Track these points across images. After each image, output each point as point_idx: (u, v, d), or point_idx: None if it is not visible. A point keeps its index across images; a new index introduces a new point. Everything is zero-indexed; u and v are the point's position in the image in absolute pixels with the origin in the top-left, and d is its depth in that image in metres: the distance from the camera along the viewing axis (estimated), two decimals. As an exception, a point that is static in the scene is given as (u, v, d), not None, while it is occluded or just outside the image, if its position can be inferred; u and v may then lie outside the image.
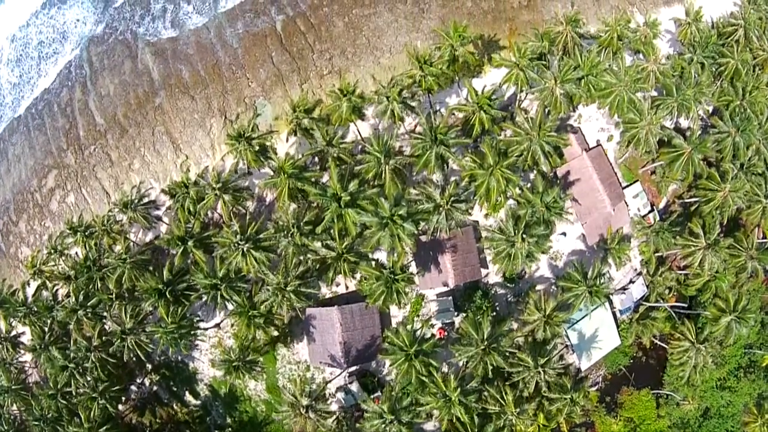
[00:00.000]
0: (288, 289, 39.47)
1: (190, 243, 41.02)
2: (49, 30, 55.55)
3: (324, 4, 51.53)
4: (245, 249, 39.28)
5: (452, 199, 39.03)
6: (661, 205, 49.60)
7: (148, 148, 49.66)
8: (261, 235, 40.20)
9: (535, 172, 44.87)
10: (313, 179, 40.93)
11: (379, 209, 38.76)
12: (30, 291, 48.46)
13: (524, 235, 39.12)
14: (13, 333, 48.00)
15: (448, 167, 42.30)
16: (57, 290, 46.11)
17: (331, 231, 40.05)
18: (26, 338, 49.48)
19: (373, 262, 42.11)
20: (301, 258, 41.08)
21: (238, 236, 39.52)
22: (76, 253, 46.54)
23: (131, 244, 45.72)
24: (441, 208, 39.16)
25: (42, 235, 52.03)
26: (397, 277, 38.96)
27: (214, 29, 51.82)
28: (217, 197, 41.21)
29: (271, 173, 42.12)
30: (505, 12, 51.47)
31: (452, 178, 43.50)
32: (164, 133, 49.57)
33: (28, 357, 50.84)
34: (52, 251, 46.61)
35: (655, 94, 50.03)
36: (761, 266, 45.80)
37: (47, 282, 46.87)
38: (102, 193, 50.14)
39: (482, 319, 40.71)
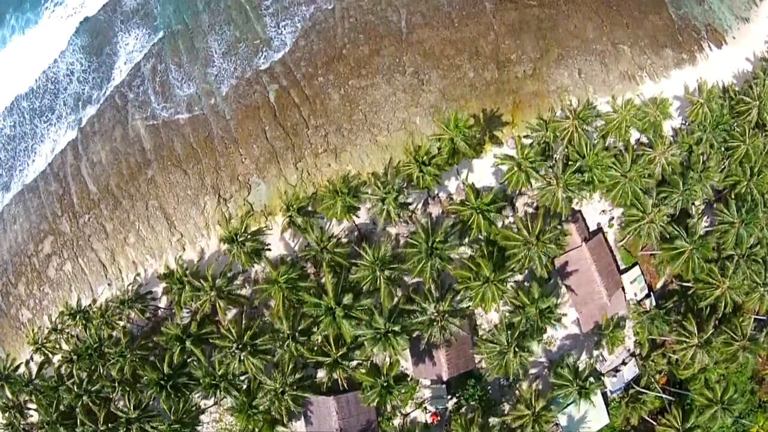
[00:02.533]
0: (285, 395, 40.34)
1: (188, 342, 41.52)
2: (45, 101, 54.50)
3: (319, 74, 49.36)
4: (242, 356, 39.86)
5: (446, 315, 39.05)
6: (659, 285, 49.34)
7: (143, 222, 49.12)
8: (257, 341, 40.60)
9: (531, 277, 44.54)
10: (307, 288, 40.78)
11: (373, 322, 39.01)
12: (35, 359, 49.91)
13: (516, 348, 39.39)
14: (21, 400, 49.54)
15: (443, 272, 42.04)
16: (60, 368, 47.17)
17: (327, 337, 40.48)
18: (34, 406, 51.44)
19: (369, 363, 42.74)
20: (297, 362, 41.68)
21: (234, 344, 40.00)
22: (77, 335, 47.23)
23: (132, 328, 46.30)
24: (436, 322, 39.26)
25: (42, 300, 52.56)
26: (391, 387, 39.72)
27: (205, 97, 50.32)
28: (212, 302, 41.31)
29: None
30: (509, 83, 49.27)
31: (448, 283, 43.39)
32: (158, 208, 48.90)
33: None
34: (53, 331, 47.28)
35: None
36: (753, 356, 46.08)
37: (50, 355, 47.87)
38: (99, 265, 50.11)
39: (474, 416, 41.81)
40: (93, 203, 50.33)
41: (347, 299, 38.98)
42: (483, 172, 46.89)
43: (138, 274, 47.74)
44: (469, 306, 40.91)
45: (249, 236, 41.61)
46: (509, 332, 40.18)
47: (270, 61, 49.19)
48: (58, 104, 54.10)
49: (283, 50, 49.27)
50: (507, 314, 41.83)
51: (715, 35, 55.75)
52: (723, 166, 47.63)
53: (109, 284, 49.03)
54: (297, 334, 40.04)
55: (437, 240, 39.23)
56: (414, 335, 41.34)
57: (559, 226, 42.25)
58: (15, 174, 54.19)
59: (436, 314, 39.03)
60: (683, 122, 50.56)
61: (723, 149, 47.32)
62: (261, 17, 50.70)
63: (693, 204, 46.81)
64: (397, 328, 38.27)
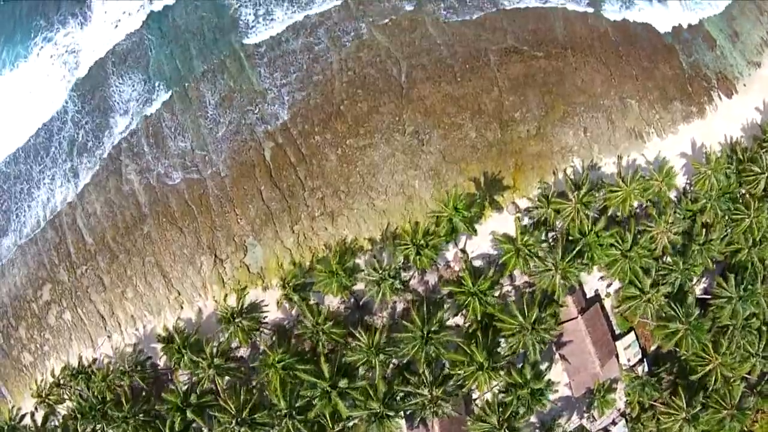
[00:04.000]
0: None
1: (188, 412, 42.33)
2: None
3: (316, 131, 47.92)
4: (241, 431, 40.74)
5: (440, 399, 39.65)
6: (652, 348, 49.76)
7: (140, 278, 48.97)
8: (256, 416, 41.33)
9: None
10: (304, 369, 41.16)
11: (368, 405, 39.67)
12: (39, 410, 51.03)
13: (507, 429, 40.22)
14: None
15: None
16: (66, 423, 48.23)
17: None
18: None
19: (364, 434, 43.77)
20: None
21: (234, 419, 40.79)
22: (80, 392, 47.96)
23: (134, 384, 47.03)
24: (430, 404, 39.90)
25: (42, 345, 53.05)
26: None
27: (199, 151, 48.86)
28: (211, 378, 41.82)
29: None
30: (512, 143, 47.83)
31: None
32: (154, 265, 48.55)
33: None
34: (56, 385, 48.08)
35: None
36: (740, 425, 47.01)
37: (55, 407, 48.92)
38: (97, 317, 50.30)
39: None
40: (90, 255, 50.05)
41: (343, 383, 39.56)
42: (482, 237, 46.30)
43: (137, 344, 48.01)
44: (463, 389, 41.49)
45: (245, 315, 41.77)
46: (500, 412, 40.95)
47: (265, 115, 47.81)
48: (53, 145, 53.02)
49: (278, 104, 47.71)
50: (499, 393, 42.46)
51: (725, 84, 53.97)
52: (725, 234, 47.22)
53: (108, 336, 49.51)
54: (294, 411, 40.83)
55: (432, 329, 39.44)
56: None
57: (556, 311, 42.40)
58: (12, 218, 53.75)
59: (430, 398, 39.71)
60: (688, 181, 49.74)
61: (727, 218, 46.81)
62: (255, 67, 48.88)
63: (691, 279, 46.82)
64: (391, 413, 39.05)
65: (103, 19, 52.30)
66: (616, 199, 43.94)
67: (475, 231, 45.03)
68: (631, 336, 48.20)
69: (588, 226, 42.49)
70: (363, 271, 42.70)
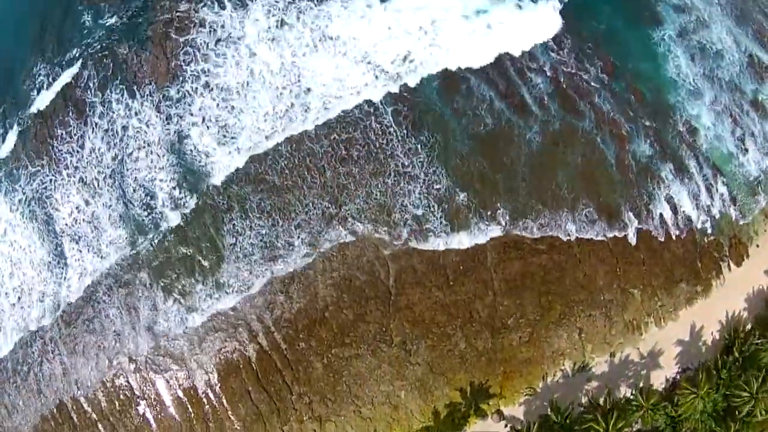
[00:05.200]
0: None
1: None
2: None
3: (300, 338, 45.81)
4: None
5: None
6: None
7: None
8: None
9: None
10: None
11: None
12: None
13: None
14: None
15: None
16: None
17: None
18: None
19: None
20: None
21: None
22: None
23: None
24: None
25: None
26: None
27: (187, 344, 47.31)
28: None
29: None
30: (503, 352, 46.04)
31: None
32: (143, 454, 49.94)
33: None
34: None
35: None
36: None
37: None
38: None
39: None
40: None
41: None
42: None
43: None
44: None
45: None
46: None
47: (246, 314, 45.55)
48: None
49: (262, 307, 45.22)
50: None
51: (738, 250, 50.09)
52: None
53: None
54: None
55: None
56: None
57: None
58: None
59: None
60: (678, 372, 48.83)
61: None
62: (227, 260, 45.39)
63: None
64: None
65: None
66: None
67: (462, 413, 46.00)
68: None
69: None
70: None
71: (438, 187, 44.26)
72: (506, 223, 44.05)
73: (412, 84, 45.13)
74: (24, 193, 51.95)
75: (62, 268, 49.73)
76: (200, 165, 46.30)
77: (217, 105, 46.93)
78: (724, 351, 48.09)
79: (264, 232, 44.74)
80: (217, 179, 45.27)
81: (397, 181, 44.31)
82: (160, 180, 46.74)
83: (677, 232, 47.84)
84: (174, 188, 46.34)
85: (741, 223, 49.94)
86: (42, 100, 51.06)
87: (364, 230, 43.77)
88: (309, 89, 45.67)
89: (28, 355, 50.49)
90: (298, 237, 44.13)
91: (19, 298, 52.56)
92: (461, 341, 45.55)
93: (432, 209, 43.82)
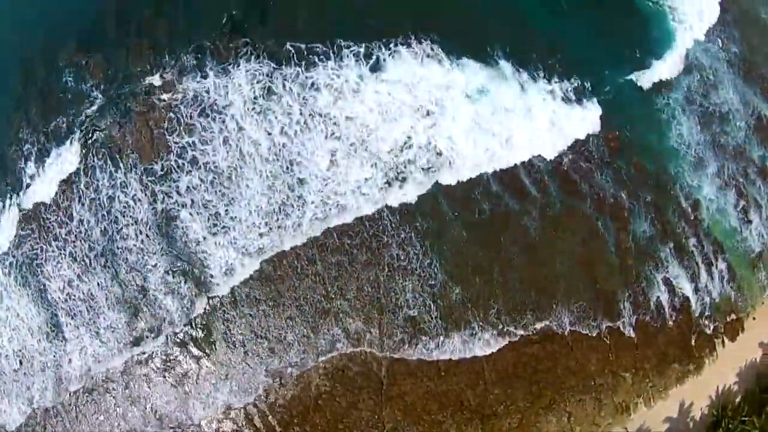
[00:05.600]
0: None
1: None
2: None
3: (295, 422, 45.41)
4: None
5: None
6: None
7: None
8: None
9: None
10: None
11: None
12: None
13: None
14: None
15: None
16: None
17: None
18: None
19: None
20: None
21: None
22: None
23: None
24: None
25: None
26: None
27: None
28: None
29: None
30: None
31: None
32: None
33: None
34: None
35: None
36: None
37: None
38: None
39: None
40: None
41: None
42: None
43: None
44: None
45: None
46: None
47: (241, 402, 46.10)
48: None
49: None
50: None
51: (734, 325, 49.78)
52: None
53: None
54: None
55: None
56: None
57: None
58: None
59: None
60: (668, 450, 49.81)
61: None
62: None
63: None
64: None
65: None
66: None
67: None
68: None
69: None
70: None
71: (432, 282, 43.67)
72: (502, 325, 43.71)
73: (415, 182, 43.37)
74: (14, 256, 51.61)
75: (61, 341, 50.18)
76: (191, 252, 45.63)
77: (206, 189, 45.58)
78: (712, 427, 48.96)
79: (255, 323, 44.67)
80: (214, 272, 44.48)
81: (390, 276, 43.71)
82: (153, 265, 46.24)
83: (674, 315, 47.58)
84: (167, 274, 45.91)
85: (739, 299, 49.62)
86: (29, 171, 49.92)
87: (356, 328, 43.60)
88: (303, 180, 44.07)
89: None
90: (291, 331, 44.09)
91: (20, 362, 53.39)
92: (452, 428, 46.22)
93: (427, 308, 43.37)
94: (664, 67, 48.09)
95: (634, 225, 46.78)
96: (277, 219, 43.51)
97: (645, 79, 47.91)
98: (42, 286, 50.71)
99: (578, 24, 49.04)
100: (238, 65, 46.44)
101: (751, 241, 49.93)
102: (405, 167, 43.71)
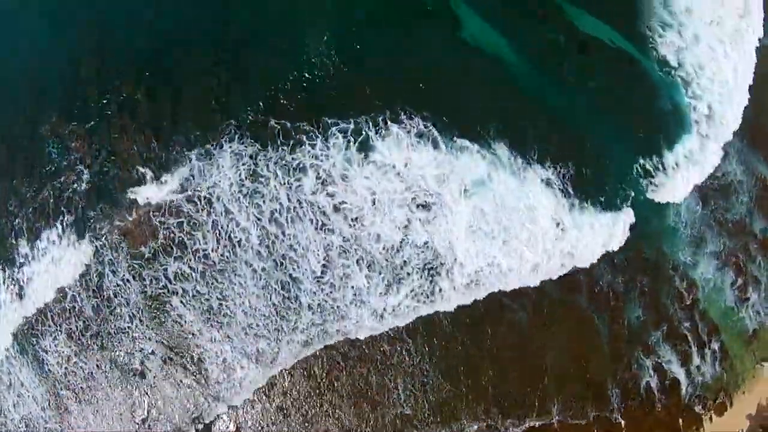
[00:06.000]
0: None
1: None
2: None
3: None
4: None
5: None
6: None
7: None
8: None
9: None
10: None
11: None
12: None
13: None
14: None
15: None
16: None
17: None
18: None
19: None
20: None
21: None
22: None
23: None
24: None
25: None
26: None
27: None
28: None
29: None
30: None
31: None
32: None
33: None
34: None
35: None
36: None
37: None
38: None
39: None
40: None
41: None
42: None
43: None
44: None
45: None
46: None
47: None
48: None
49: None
50: None
51: (723, 401, 50.07)
52: None
53: None
54: None
55: None
56: None
57: None
58: None
59: None
60: None
61: None
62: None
63: None
64: None
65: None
66: None
67: None
68: None
69: None
70: None
71: (424, 379, 44.04)
72: (492, 421, 44.33)
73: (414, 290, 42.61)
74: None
75: (62, 413, 51.53)
76: (183, 338, 45.89)
77: (197, 279, 45.23)
78: None
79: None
80: (211, 370, 44.72)
81: (381, 372, 44.07)
82: (150, 352, 46.64)
83: (662, 398, 48.07)
84: (165, 363, 46.36)
85: (731, 378, 49.89)
86: (22, 248, 49.46)
87: (350, 424, 44.41)
88: (297, 279, 43.44)
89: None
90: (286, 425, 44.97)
91: (26, 426, 55.13)
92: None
93: (419, 404, 43.92)
94: (675, 158, 45.71)
95: (627, 312, 46.47)
96: (275, 322, 43.39)
97: (654, 165, 45.95)
98: (40, 360, 51.81)
99: (584, 100, 46.58)
100: (222, 146, 44.88)
101: (747, 320, 49.64)
102: (402, 269, 42.88)
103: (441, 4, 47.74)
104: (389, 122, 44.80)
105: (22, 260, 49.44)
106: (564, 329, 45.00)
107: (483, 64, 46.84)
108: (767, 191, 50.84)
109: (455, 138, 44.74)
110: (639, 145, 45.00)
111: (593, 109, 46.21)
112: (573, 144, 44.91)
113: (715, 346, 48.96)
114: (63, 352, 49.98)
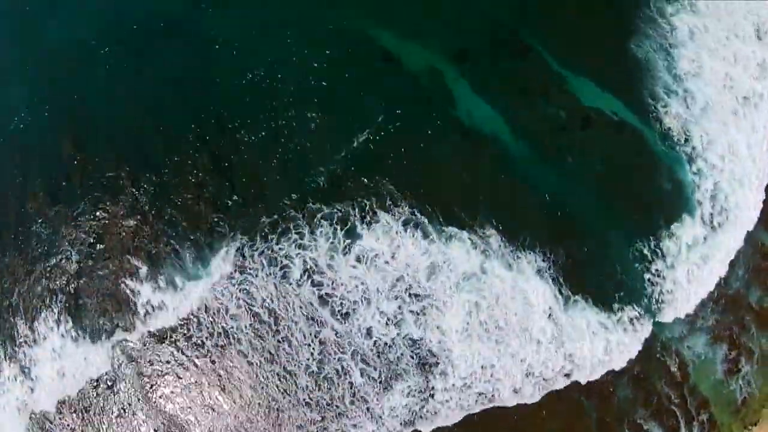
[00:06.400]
0: None
1: None
2: None
3: None
4: None
5: None
6: None
7: None
8: None
9: None
10: None
11: None
12: None
13: None
14: None
15: None
16: None
17: None
18: None
19: None
20: None
21: None
22: None
23: None
24: None
25: None
26: None
27: None
28: None
29: None
30: None
31: None
32: None
33: None
34: None
35: None
36: None
37: None
38: None
39: None
40: None
41: None
42: None
43: None
44: None
45: None
46: None
47: None
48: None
49: None
50: None
51: (709, 469, 51.40)
52: None
53: None
54: None
55: None
56: None
57: None
58: None
59: None
60: None
61: None
62: None
63: None
64: None
65: None
66: None
67: None
68: None
69: None
70: None
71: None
72: None
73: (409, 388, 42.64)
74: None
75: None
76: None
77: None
78: None
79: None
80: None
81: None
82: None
83: (649, 477, 49.37)
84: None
85: (718, 446, 51.08)
86: (21, 329, 49.41)
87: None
88: (292, 372, 43.74)
89: None
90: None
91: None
92: None
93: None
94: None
95: (617, 396, 47.01)
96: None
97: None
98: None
99: (585, 186, 45.08)
100: (212, 247, 44.16)
101: (736, 391, 50.19)
102: (397, 365, 42.90)
103: (436, 81, 45.45)
104: (376, 209, 43.98)
105: (21, 340, 49.91)
106: (558, 422, 45.56)
107: (477, 146, 45.16)
108: (765, 260, 50.02)
109: (444, 227, 43.95)
110: (640, 240, 44.03)
111: (593, 192, 44.84)
112: (571, 232, 43.93)
113: (704, 417, 49.78)
114: None
